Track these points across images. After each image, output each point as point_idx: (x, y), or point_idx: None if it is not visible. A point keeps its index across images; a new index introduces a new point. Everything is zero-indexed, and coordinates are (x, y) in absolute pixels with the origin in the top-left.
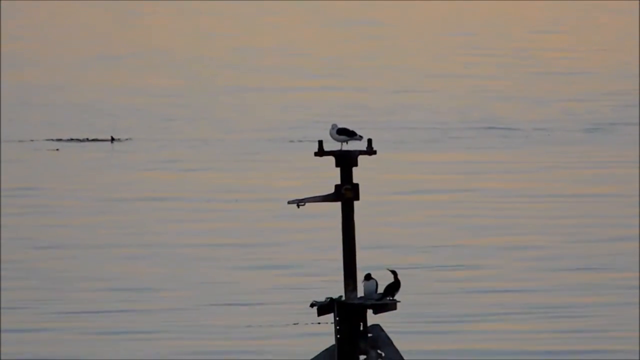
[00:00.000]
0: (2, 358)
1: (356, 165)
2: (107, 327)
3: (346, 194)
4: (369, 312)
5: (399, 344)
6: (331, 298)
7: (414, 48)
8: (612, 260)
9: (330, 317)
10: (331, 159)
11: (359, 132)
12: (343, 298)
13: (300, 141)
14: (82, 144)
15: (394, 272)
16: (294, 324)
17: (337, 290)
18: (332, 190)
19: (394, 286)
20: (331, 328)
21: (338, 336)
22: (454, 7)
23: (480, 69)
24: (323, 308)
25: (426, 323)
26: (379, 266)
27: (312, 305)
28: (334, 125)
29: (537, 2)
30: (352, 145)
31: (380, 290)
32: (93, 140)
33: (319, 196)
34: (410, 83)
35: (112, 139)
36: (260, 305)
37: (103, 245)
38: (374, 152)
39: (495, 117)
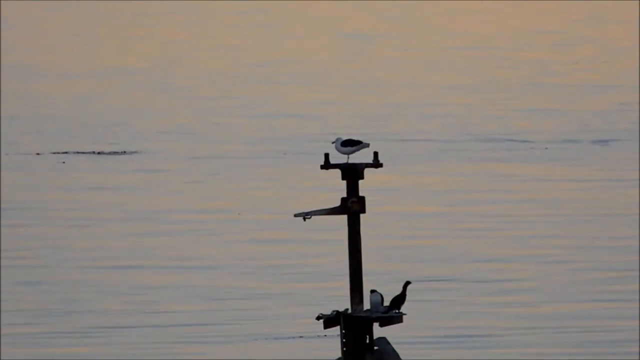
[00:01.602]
0: (2, 358)
1: (362, 178)
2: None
3: (352, 206)
4: (375, 325)
5: (405, 357)
6: (337, 311)
7: (422, 60)
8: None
9: (336, 330)
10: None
11: (364, 141)
12: (349, 311)
13: (304, 154)
14: (89, 156)
15: (407, 283)
16: (300, 336)
17: (343, 303)
18: (338, 203)
19: (400, 299)
20: (337, 341)
21: (344, 349)
22: (465, 18)
23: (492, 80)
24: (329, 321)
25: (433, 337)
26: (386, 279)
27: (318, 318)
28: (338, 138)
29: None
30: (358, 157)
31: (386, 303)
32: (100, 153)
33: (325, 209)
34: (419, 95)
35: (120, 152)
36: (266, 317)
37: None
38: (380, 165)
39: (507, 130)
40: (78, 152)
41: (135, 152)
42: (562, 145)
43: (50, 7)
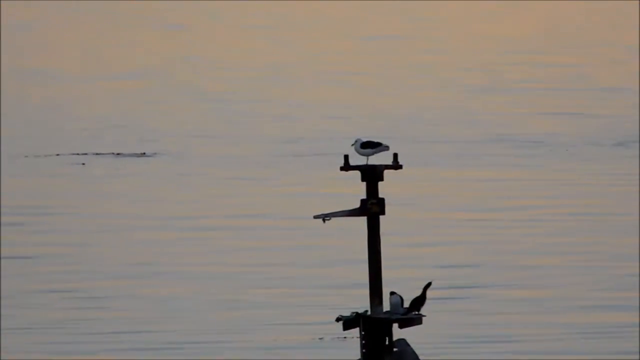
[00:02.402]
0: (2, 358)
1: (382, 179)
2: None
3: (372, 208)
4: (395, 326)
5: (425, 358)
6: (357, 312)
7: (441, 61)
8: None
9: (355, 332)
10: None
11: (384, 142)
12: (369, 312)
13: (324, 155)
14: (109, 158)
15: (427, 285)
16: (320, 338)
17: (362, 304)
18: (357, 205)
19: (420, 300)
20: (357, 343)
21: (364, 351)
22: (487, 20)
23: (513, 82)
24: (349, 322)
25: (451, 337)
26: (405, 280)
27: (337, 320)
28: (357, 140)
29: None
30: (378, 159)
31: (406, 305)
32: (119, 154)
33: (345, 211)
34: (439, 96)
35: (140, 154)
36: (286, 319)
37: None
38: (400, 167)
39: (528, 131)
40: (97, 154)
41: (156, 153)
42: (584, 147)
43: (72, 9)
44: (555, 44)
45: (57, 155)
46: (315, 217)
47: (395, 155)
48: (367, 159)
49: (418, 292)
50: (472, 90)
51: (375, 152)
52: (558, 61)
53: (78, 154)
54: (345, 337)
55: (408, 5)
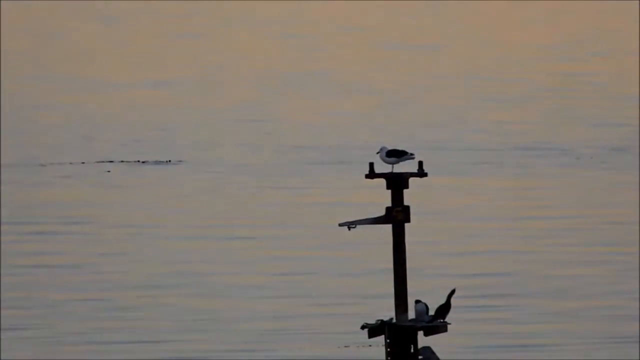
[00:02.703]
0: (2, 358)
1: (407, 187)
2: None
3: (397, 216)
4: (420, 334)
5: None
6: (382, 320)
7: (466, 69)
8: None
9: (381, 340)
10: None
11: (409, 151)
12: (394, 320)
13: (348, 163)
14: (134, 165)
15: (452, 292)
16: (345, 346)
17: (387, 312)
18: (382, 212)
19: (445, 308)
20: (382, 350)
21: (389, 358)
22: (508, 28)
23: (536, 90)
24: (374, 330)
25: (476, 346)
26: (430, 288)
27: (363, 328)
28: (383, 148)
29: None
30: (403, 167)
31: (431, 313)
32: (144, 162)
33: (370, 218)
34: (464, 104)
35: (166, 162)
36: (311, 328)
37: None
38: (425, 175)
39: (551, 138)
40: (123, 161)
41: (181, 161)
42: (608, 154)
43: (101, 17)
44: (580, 52)
45: (83, 163)
46: (341, 224)
47: (421, 163)
48: (392, 167)
49: (443, 300)
50: (497, 98)
51: (401, 161)
52: (584, 69)
53: (103, 162)
54: (370, 345)
55: (431, 15)
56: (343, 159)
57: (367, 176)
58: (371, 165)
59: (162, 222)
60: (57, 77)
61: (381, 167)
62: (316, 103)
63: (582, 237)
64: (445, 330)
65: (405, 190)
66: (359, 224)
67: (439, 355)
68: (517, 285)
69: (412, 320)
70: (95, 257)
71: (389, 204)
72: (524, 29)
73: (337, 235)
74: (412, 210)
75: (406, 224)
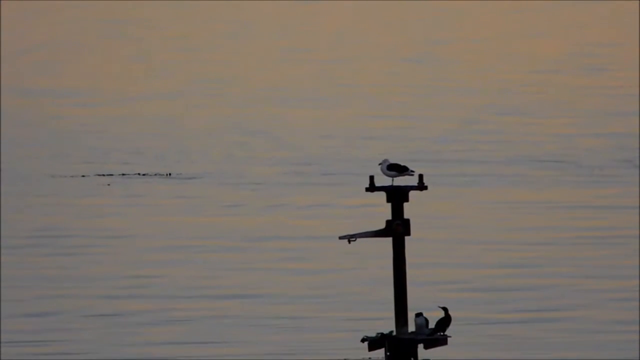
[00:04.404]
0: (2, 358)
1: (407, 200)
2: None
3: (397, 229)
4: (420, 347)
5: None
6: (382, 333)
7: (475, 83)
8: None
9: (381, 352)
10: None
11: (410, 167)
12: (394, 333)
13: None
14: (134, 178)
15: (445, 309)
16: (345, 359)
17: (388, 325)
18: (382, 226)
19: (445, 321)
20: None
21: None
22: (523, 41)
23: (540, 103)
24: (374, 343)
25: (476, 359)
26: (430, 302)
27: (363, 341)
28: (384, 161)
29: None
30: (403, 181)
31: (431, 325)
32: (145, 174)
33: (370, 232)
34: (470, 117)
35: (164, 175)
36: (311, 340)
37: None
38: (425, 188)
39: (557, 151)
40: (123, 174)
41: (180, 174)
42: (613, 166)
43: (103, 31)
44: (587, 65)
45: (83, 176)
46: (341, 237)
47: (421, 177)
48: (392, 180)
49: (442, 314)
50: (498, 111)
51: (400, 176)
52: (589, 82)
53: (103, 175)
54: (370, 358)
55: (434, 28)
56: (343, 171)
57: (367, 189)
58: (371, 178)
59: (158, 234)
60: (56, 91)
61: (381, 179)
62: (317, 116)
63: (584, 252)
64: (446, 343)
65: (405, 204)
66: (359, 237)
67: None
68: (519, 299)
69: (412, 333)
70: (98, 269)
71: (389, 216)
72: (530, 40)
73: (337, 249)
74: (412, 223)
75: (406, 237)
